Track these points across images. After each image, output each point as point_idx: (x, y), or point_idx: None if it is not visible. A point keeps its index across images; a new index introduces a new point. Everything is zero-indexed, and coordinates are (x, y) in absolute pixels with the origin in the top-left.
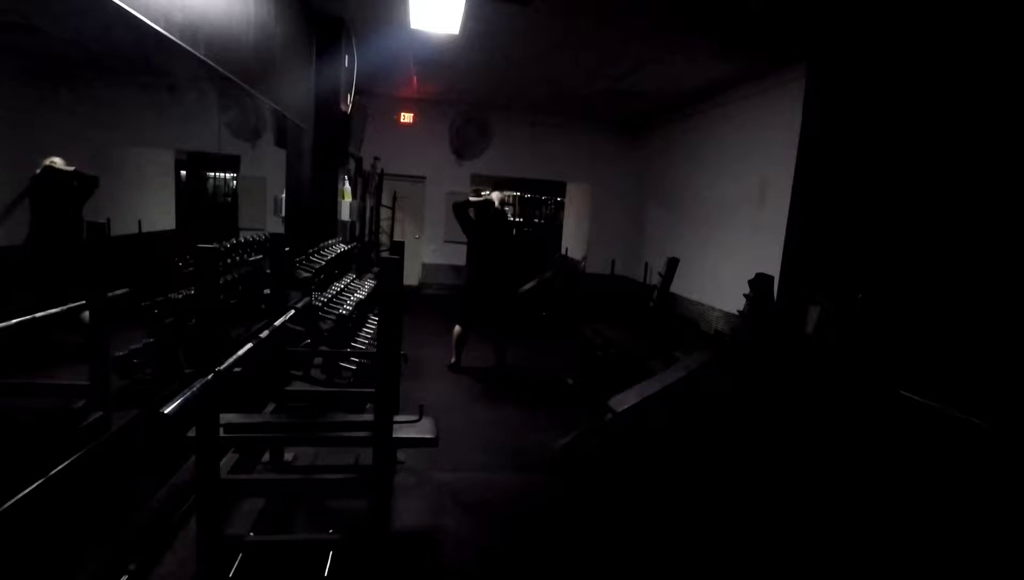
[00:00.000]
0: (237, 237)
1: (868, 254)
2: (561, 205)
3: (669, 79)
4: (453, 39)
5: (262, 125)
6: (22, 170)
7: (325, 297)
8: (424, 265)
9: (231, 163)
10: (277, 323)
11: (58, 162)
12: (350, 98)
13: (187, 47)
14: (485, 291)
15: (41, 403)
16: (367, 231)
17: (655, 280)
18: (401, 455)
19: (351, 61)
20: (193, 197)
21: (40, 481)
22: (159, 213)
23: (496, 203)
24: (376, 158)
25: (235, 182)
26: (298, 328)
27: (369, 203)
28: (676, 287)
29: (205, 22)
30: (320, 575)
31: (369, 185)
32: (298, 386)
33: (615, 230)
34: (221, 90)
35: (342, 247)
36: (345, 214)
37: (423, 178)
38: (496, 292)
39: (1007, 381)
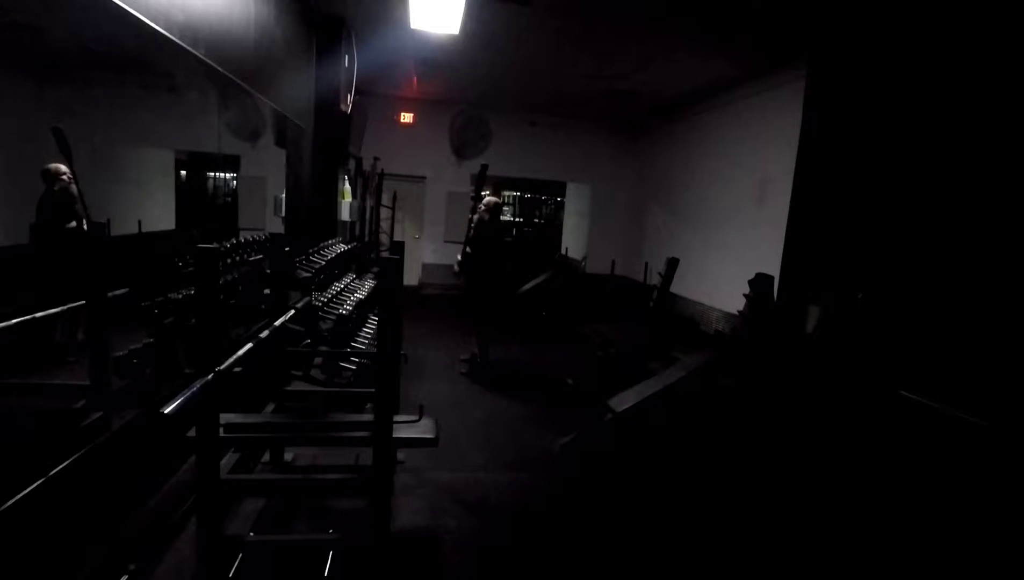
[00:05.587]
0: (237, 237)
1: (868, 253)
2: (561, 205)
3: (669, 79)
4: (453, 39)
5: (262, 125)
6: (22, 170)
7: (325, 297)
8: (424, 265)
9: (231, 163)
10: (277, 323)
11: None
12: (350, 98)
13: (187, 47)
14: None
15: (41, 403)
16: (367, 231)
17: (655, 280)
18: (401, 455)
19: (351, 61)
20: (193, 197)
21: (40, 481)
22: (159, 213)
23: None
24: (376, 158)
25: (235, 182)
26: (298, 328)
27: (369, 203)
28: (676, 287)
29: (205, 22)
30: (320, 575)
31: (369, 185)
32: (298, 386)
33: (615, 230)
34: (221, 90)
35: (342, 247)
36: (345, 214)
37: (423, 178)
38: (487, 289)
39: (1007, 381)
